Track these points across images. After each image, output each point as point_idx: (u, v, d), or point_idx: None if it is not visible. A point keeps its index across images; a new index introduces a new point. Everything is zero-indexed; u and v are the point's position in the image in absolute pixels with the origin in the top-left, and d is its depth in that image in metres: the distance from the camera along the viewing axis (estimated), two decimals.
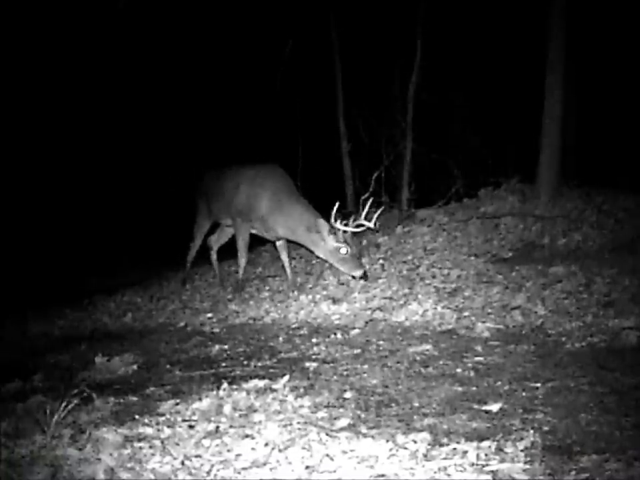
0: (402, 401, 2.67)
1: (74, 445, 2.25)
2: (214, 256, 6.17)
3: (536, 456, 2.03)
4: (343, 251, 4.88)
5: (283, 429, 2.34)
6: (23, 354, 4.41)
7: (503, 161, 7.69)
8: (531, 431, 2.23)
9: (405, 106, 7.75)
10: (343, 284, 5.05)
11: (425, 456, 2.07)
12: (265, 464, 2.08)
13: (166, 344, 4.13)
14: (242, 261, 5.53)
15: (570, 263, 4.80)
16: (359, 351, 3.51)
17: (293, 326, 4.29)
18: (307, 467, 2.04)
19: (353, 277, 4.95)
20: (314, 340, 3.83)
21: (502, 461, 2.01)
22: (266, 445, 2.21)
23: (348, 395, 2.77)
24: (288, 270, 5.46)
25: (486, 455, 2.06)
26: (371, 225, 4.96)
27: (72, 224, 10.85)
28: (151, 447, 2.22)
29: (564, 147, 6.50)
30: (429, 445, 2.15)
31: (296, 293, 5.05)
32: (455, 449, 2.10)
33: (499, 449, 2.09)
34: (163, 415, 2.57)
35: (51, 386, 3.20)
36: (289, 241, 5.45)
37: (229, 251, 6.04)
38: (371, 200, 5.14)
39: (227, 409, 2.59)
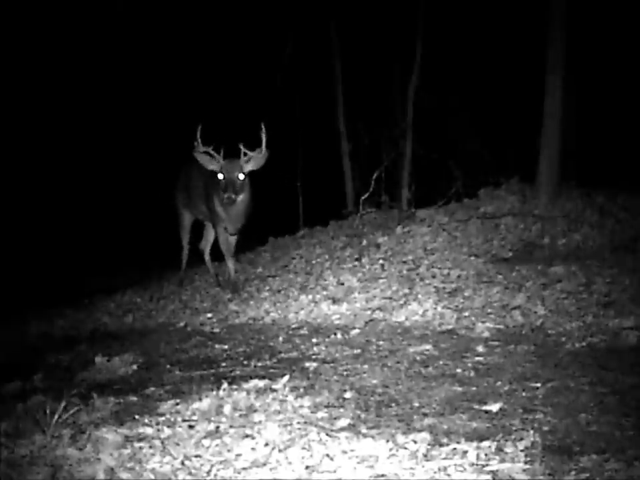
0: (402, 400, 2.67)
1: (74, 445, 2.24)
2: (207, 258, 6.19)
3: (536, 456, 2.03)
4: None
5: (283, 428, 2.34)
6: (23, 354, 4.41)
7: (503, 160, 7.69)
8: (531, 431, 2.22)
9: (404, 106, 7.75)
10: (342, 284, 5.05)
11: (425, 456, 2.07)
12: (264, 464, 2.07)
13: (166, 344, 4.12)
14: (229, 262, 5.54)
15: (570, 263, 4.80)
16: (359, 351, 3.51)
17: (293, 326, 4.28)
18: (307, 467, 2.03)
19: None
20: (314, 340, 3.83)
21: (502, 461, 2.01)
22: (266, 445, 2.20)
23: (348, 395, 2.77)
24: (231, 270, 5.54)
25: (486, 454, 2.05)
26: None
27: (72, 224, 10.84)
28: (151, 447, 2.22)
29: (564, 147, 6.50)
30: (428, 445, 2.14)
31: (296, 292, 5.05)
32: (455, 449, 2.10)
33: (499, 449, 2.09)
34: (163, 415, 2.57)
35: (51, 386, 3.19)
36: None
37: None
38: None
39: (227, 409, 2.59)
